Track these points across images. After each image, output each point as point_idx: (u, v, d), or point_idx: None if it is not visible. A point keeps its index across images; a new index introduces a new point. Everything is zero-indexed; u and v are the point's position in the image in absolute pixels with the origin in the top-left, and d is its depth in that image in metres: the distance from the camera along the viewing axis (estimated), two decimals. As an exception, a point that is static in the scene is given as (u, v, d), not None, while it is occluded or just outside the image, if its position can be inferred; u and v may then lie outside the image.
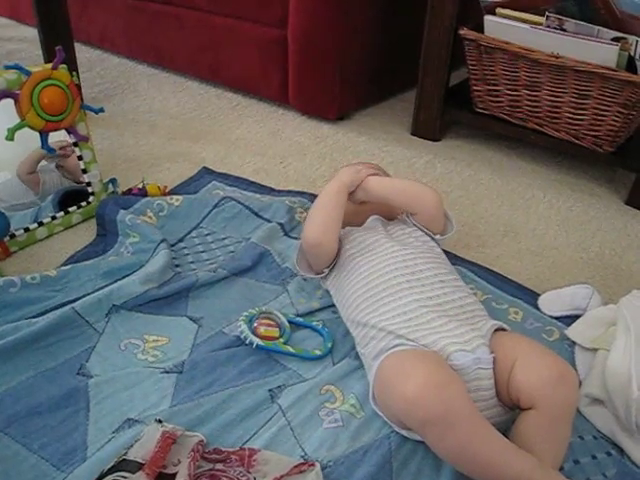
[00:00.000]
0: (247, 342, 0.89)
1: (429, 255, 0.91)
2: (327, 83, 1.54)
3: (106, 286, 0.99)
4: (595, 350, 0.92)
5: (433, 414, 0.67)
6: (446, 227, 1.00)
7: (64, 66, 1.11)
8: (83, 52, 1.99)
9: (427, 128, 1.56)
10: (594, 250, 1.19)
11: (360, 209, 1.02)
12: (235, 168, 1.38)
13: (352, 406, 0.82)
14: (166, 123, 1.57)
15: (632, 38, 1.21)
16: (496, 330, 0.81)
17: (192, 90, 1.76)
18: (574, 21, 1.25)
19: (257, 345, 0.89)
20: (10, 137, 1.03)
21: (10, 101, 1.04)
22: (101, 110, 1.17)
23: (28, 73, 1.05)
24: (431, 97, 1.51)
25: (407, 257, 0.89)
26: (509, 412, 0.77)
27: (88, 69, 1.87)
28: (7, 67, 1.05)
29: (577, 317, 1.00)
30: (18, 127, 1.04)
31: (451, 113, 1.53)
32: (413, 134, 1.58)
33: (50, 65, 1.08)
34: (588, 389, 0.85)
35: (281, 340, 0.91)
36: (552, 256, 1.17)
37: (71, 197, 1.20)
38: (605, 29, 1.23)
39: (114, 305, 0.95)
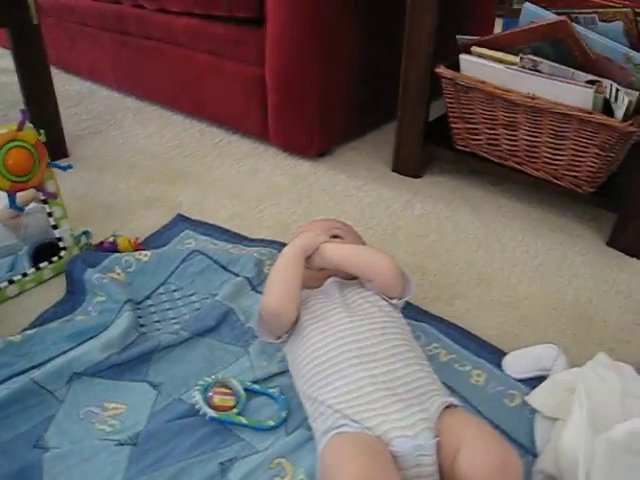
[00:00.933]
0: (201, 413, 0.90)
1: (383, 324, 0.90)
2: (306, 121, 1.54)
3: (70, 350, 1.00)
4: (555, 419, 0.91)
5: None
6: (405, 289, 0.99)
7: (30, 126, 1.12)
8: (73, 84, 2.02)
9: (407, 165, 1.54)
10: (569, 299, 1.17)
11: (318, 272, 1.01)
12: (210, 213, 1.38)
13: (301, 482, 0.82)
14: (146, 164, 1.58)
15: (607, 81, 1.17)
16: (447, 407, 0.81)
17: (176, 125, 1.77)
18: (549, 63, 1.22)
19: (210, 417, 0.89)
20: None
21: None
22: (69, 167, 1.18)
23: (-8, 136, 1.06)
24: (410, 135, 1.49)
25: (359, 330, 0.88)
26: None
27: (77, 103, 1.89)
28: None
29: (542, 378, 0.98)
30: (-16, 189, 1.05)
31: (431, 150, 1.51)
32: (394, 170, 1.56)
33: (15, 126, 1.10)
34: (542, 464, 0.84)
35: (234, 411, 0.91)
36: (524, 307, 1.14)
37: (46, 248, 1.21)
38: (580, 72, 1.20)
39: (75, 373, 0.96)
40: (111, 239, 1.23)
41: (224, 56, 1.59)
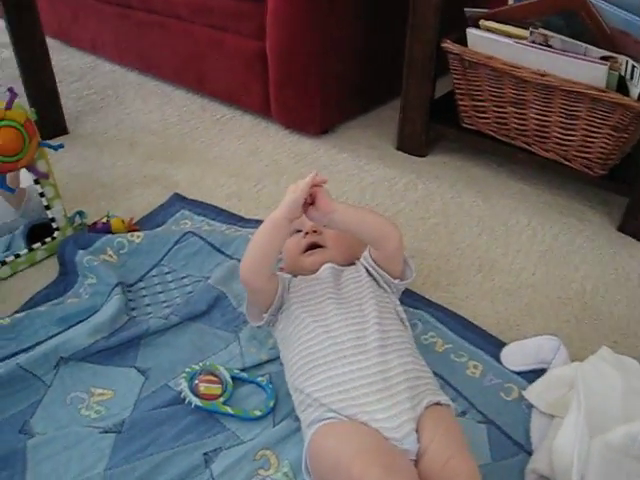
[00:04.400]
0: (186, 402, 0.88)
1: (378, 314, 0.87)
2: (308, 97, 1.49)
3: (59, 333, 0.99)
4: (552, 416, 0.87)
5: None
6: (405, 272, 0.96)
7: (20, 104, 1.09)
8: (76, 59, 1.98)
9: (412, 143, 1.49)
10: (575, 287, 1.12)
11: (311, 258, 0.97)
12: (208, 192, 1.35)
13: (285, 475, 0.80)
14: (146, 140, 1.54)
15: (622, 58, 1.11)
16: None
17: (178, 101, 1.73)
18: (560, 37, 1.16)
19: (195, 405, 0.87)
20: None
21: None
22: (60, 146, 1.15)
23: (-20, 116, 1.03)
24: (416, 112, 1.44)
25: (352, 321, 0.85)
26: None
27: (79, 78, 1.86)
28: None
29: (542, 371, 0.95)
30: (-27, 171, 1.03)
31: (437, 128, 1.46)
32: (399, 149, 1.51)
33: (3, 105, 1.07)
34: (536, 464, 0.80)
35: (221, 399, 0.89)
36: (527, 295, 1.10)
37: (40, 229, 1.20)
38: (593, 47, 1.13)
39: (62, 357, 0.95)
40: (104, 219, 1.20)
41: (225, 30, 1.54)
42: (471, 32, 1.27)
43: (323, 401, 0.78)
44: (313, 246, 0.99)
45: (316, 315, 0.87)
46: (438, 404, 0.78)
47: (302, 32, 1.40)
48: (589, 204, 1.34)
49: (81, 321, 1.02)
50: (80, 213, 1.23)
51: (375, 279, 0.94)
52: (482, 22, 1.26)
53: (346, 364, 0.80)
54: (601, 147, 1.22)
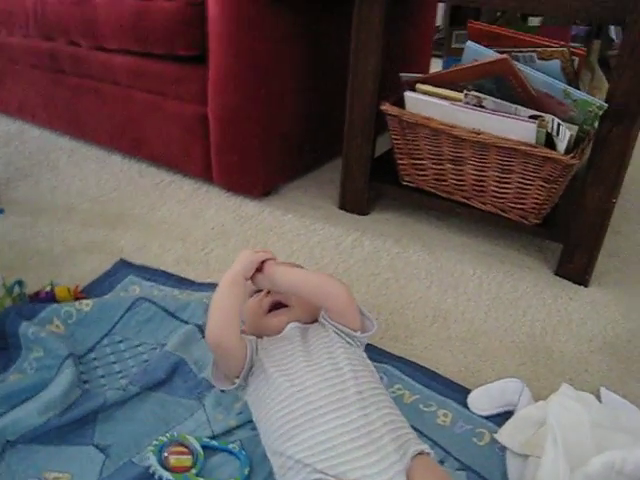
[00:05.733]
0: (156, 477, 0.83)
1: (351, 368, 0.86)
2: (250, 160, 1.50)
3: (3, 414, 0.91)
4: (526, 456, 0.89)
5: None
6: (365, 324, 0.96)
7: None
8: (2, 124, 1.91)
9: (355, 202, 1.53)
10: (525, 331, 1.17)
11: (276, 319, 0.96)
12: (155, 257, 1.31)
13: None
14: (84, 207, 1.49)
15: (548, 116, 1.21)
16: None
17: (114, 166, 1.70)
18: (492, 99, 1.25)
19: (167, 480, 0.82)
20: None
21: None
22: (1, 211, 1.10)
23: None
24: (356, 172, 1.48)
25: (326, 377, 0.84)
26: None
27: (5, 144, 1.79)
28: None
29: (509, 413, 0.97)
30: None
31: (377, 187, 1.51)
32: (341, 208, 1.55)
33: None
34: (518, 506, 0.81)
35: (193, 471, 0.84)
36: (482, 342, 1.14)
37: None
38: (522, 107, 1.23)
39: (8, 441, 0.87)
40: (48, 288, 1.14)
41: (165, 94, 1.55)
42: (408, 95, 1.34)
43: (307, 461, 0.75)
44: (277, 305, 0.99)
45: (290, 374, 0.85)
46: (422, 453, 0.78)
47: (245, 96, 1.43)
48: (526, 252, 1.42)
49: (27, 399, 0.94)
50: (19, 282, 1.15)
51: (338, 334, 0.94)
52: (418, 86, 1.34)
53: (328, 421, 0.78)
54: (534, 198, 1.30)
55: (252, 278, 0.94)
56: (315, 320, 0.98)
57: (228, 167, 1.53)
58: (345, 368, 0.86)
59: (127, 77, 1.59)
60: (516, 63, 1.21)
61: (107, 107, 1.67)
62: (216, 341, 0.88)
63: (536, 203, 1.31)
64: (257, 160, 1.51)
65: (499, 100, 1.24)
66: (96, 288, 1.21)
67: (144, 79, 1.56)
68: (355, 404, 0.80)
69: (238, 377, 0.90)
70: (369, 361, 0.93)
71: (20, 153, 1.75)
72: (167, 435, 0.88)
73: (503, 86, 1.25)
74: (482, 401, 0.99)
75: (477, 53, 1.25)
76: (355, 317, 0.95)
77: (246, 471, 0.85)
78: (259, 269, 0.94)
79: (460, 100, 1.29)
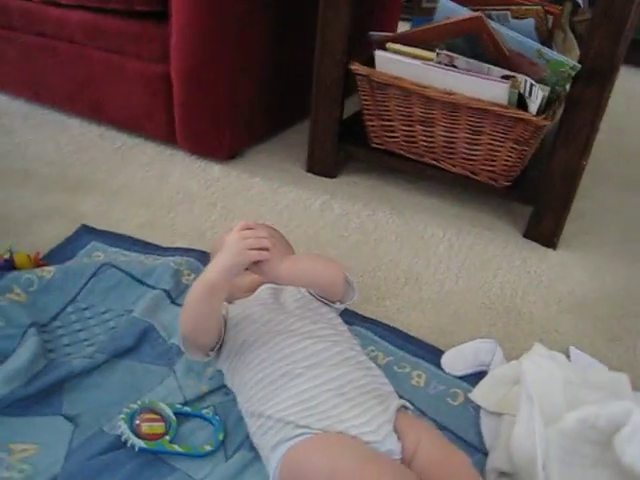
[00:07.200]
0: (129, 445, 0.80)
1: (326, 329, 0.86)
2: (215, 121, 1.45)
3: (-36, 386, 0.87)
4: (500, 414, 0.90)
5: None
6: (347, 293, 0.94)
7: None
8: (-53, 87, 1.80)
9: (323, 165, 1.50)
10: (495, 292, 1.18)
11: (249, 277, 0.93)
12: (118, 223, 1.26)
13: (247, 510, 0.75)
14: (42, 171, 1.42)
15: (521, 76, 1.20)
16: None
17: (72, 130, 1.62)
18: (465, 59, 1.23)
19: (140, 448, 0.80)
20: None
21: None
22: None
23: None
24: (325, 134, 1.46)
25: (304, 336, 0.83)
26: None
27: (-47, 107, 1.69)
28: None
29: (483, 373, 0.98)
30: None
31: (346, 149, 1.48)
32: (309, 171, 1.52)
33: None
34: (494, 463, 0.82)
35: (166, 438, 0.82)
36: (454, 303, 1.14)
37: None
38: (495, 67, 1.22)
39: (-29, 413, 0.84)
40: (6, 255, 1.08)
41: (124, 53, 1.47)
42: (379, 54, 1.31)
43: (289, 419, 0.74)
44: None
45: (264, 337, 0.84)
46: (404, 408, 0.78)
47: (209, 55, 1.37)
48: (496, 214, 1.42)
49: (-11, 370, 0.90)
50: (-25, 250, 1.10)
51: (314, 296, 0.92)
52: (389, 45, 1.31)
53: (309, 379, 0.78)
54: (505, 160, 1.30)
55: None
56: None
57: (192, 129, 1.48)
58: (323, 330, 0.85)
59: (84, 35, 1.50)
60: (490, 21, 1.19)
61: (63, 67, 1.59)
62: (190, 337, 0.85)
63: (506, 165, 1.31)
64: (223, 122, 1.46)
65: (471, 60, 1.22)
66: (57, 255, 1.16)
67: (102, 37, 1.48)
68: (334, 365, 0.80)
69: (212, 350, 0.87)
70: (345, 325, 0.92)
71: (-30, 116, 1.66)
72: (138, 402, 0.85)
73: (476, 45, 1.23)
74: (456, 362, 1.00)
75: (450, 11, 1.23)
76: (341, 292, 0.93)
77: (220, 436, 0.84)
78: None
79: (432, 59, 1.27)
